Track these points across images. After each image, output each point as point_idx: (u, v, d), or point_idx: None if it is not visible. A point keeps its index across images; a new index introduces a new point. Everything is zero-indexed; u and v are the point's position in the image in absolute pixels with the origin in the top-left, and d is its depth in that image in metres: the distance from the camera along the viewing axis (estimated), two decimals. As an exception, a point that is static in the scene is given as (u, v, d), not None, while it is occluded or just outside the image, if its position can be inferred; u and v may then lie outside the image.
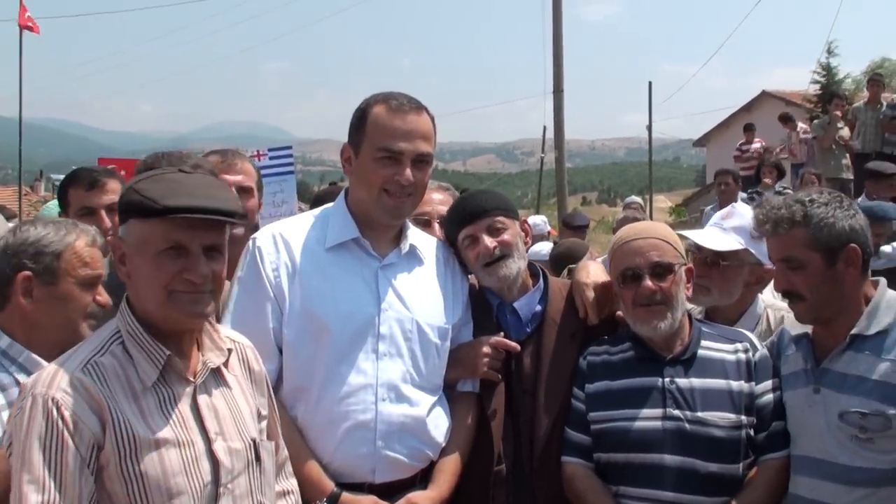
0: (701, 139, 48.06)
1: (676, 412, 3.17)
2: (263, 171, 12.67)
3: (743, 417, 3.18)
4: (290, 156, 11.96)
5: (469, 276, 3.56)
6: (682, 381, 3.23)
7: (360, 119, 3.17)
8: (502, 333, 3.43)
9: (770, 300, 3.82)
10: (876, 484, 2.92)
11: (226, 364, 2.65)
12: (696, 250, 3.65)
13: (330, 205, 3.36)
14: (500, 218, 3.44)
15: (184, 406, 2.47)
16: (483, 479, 3.30)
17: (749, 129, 19.82)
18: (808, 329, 3.21)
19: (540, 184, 31.96)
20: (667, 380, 3.23)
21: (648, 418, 3.19)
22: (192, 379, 2.51)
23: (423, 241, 3.42)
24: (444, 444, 3.24)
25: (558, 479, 3.33)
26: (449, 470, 3.24)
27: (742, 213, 3.74)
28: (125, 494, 2.33)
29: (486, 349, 3.35)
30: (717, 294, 3.63)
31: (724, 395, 3.20)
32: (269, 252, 3.14)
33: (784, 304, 3.76)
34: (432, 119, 3.24)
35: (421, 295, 3.25)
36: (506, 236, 3.42)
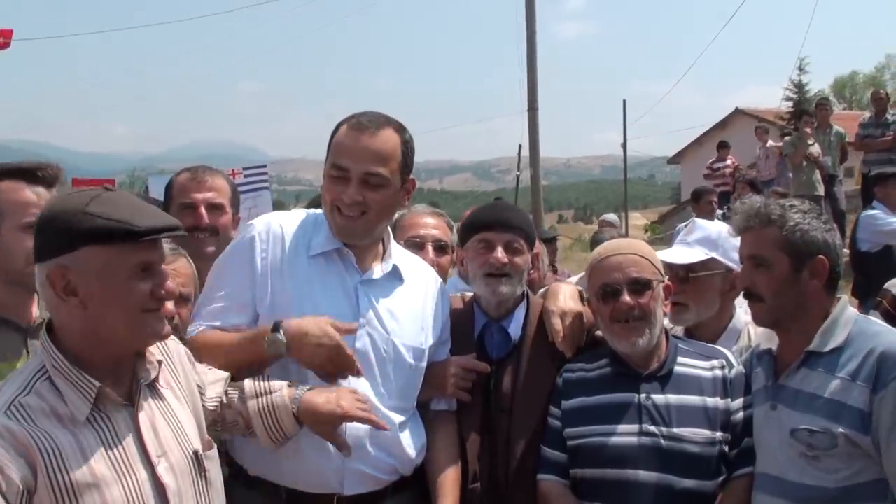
0: (675, 156, 48.48)
1: (652, 428, 3.18)
2: (239, 189, 12.69)
3: (718, 434, 3.19)
4: (265, 173, 12.05)
5: (451, 297, 3.58)
6: (659, 398, 3.24)
7: (331, 136, 3.18)
8: (475, 354, 3.44)
9: (750, 318, 3.79)
10: (824, 502, 2.91)
11: (156, 377, 2.53)
12: (669, 269, 3.65)
13: (320, 210, 3.34)
14: (522, 241, 3.47)
15: (123, 433, 2.36)
16: (460, 499, 3.27)
17: (724, 147, 20.02)
18: (773, 346, 3.22)
19: (516, 201, 31.94)
20: (643, 396, 3.24)
21: (624, 434, 3.19)
22: (127, 402, 2.41)
23: (407, 261, 3.41)
24: (414, 458, 3.22)
25: (534, 497, 3.33)
26: (450, 487, 3.23)
27: (703, 225, 3.83)
28: None
29: (454, 370, 3.36)
30: (695, 309, 3.64)
31: (699, 412, 3.21)
32: (262, 241, 3.14)
33: None
34: (404, 139, 3.17)
35: (400, 315, 3.23)
36: (518, 259, 3.45)
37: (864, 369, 2.91)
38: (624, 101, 39.38)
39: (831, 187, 15.15)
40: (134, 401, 2.43)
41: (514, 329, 3.51)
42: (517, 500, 3.33)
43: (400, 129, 3.18)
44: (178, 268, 3.32)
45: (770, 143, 18.66)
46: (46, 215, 2.35)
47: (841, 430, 2.87)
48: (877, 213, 9.31)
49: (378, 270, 3.25)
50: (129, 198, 2.44)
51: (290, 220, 3.26)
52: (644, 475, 3.13)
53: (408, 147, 3.19)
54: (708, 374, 3.30)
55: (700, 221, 3.90)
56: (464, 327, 3.52)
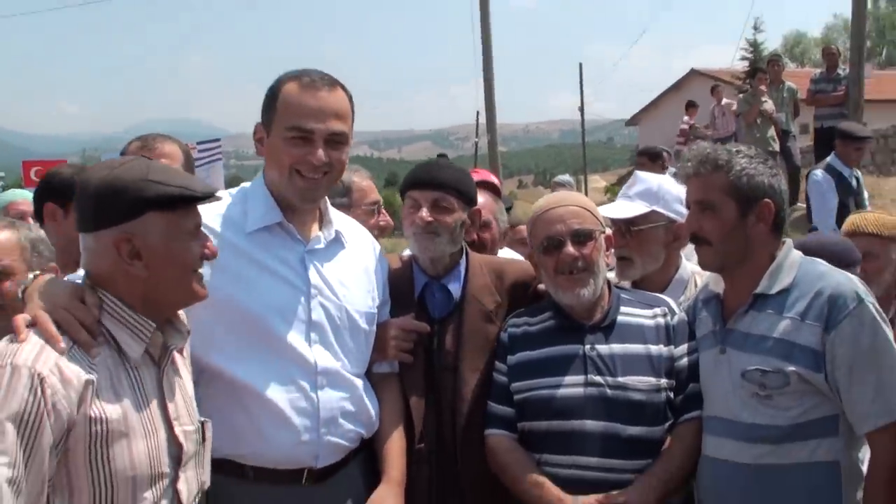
0: (632, 119, 48.74)
1: (598, 378, 3.19)
2: (198, 163, 12.60)
3: (663, 380, 3.22)
4: (219, 147, 11.99)
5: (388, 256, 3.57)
6: (603, 348, 3.25)
7: (272, 97, 3.05)
8: (414, 314, 3.41)
9: (697, 267, 3.81)
10: (775, 441, 2.97)
11: (180, 347, 2.67)
12: (612, 224, 3.66)
13: (246, 184, 3.25)
14: (451, 199, 3.40)
15: (150, 391, 2.47)
16: (408, 459, 3.26)
17: (691, 106, 20.13)
18: (719, 291, 3.25)
19: (475, 168, 32.00)
20: (587, 347, 3.25)
21: (570, 385, 3.20)
22: (158, 363, 2.53)
23: (345, 224, 3.35)
24: (375, 421, 3.22)
25: (483, 454, 3.32)
26: (396, 455, 3.21)
27: (643, 178, 3.81)
28: (89, 481, 2.29)
29: (394, 332, 3.33)
30: (640, 262, 3.66)
31: (643, 360, 3.23)
32: None
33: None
34: (349, 97, 3.12)
35: (347, 281, 3.18)
36: (447, 218, 3.39)
37: (813, 309, 2.97)
38: (580, 65, 39.47)
39: (785, 143, 15.28)
40: (161, 362, 2.54)
41: (455, 287, 3.48)
42: (466, 458, 3.32)
43: (343, 85, 3.12)
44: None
45: (725, 100, 18.79)
46: (103, 185, 2.41)
47: (793, 368, 2.93)
48: (819, 180, 9.16)
49: (322, 238, 3.17)
50: (169, 167, 2.69)
51: (214, 205, 3.02)
52: (591, 425, 3.15)
53: (353, 104, 3.14)
54: (650, 322, 3.32)
55: (640, 174, 3.89)
56: (404, 287, 3.48)
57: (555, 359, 3.27)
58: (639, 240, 3.65)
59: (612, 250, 3.51)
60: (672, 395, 3.25)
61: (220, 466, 2.88)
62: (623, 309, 3.35)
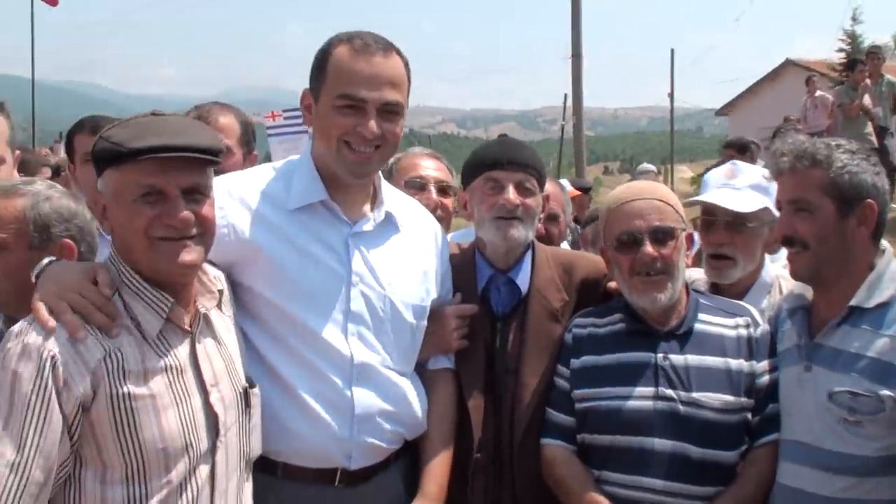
0: (723, 108, 47.68)
1: (669, 392, 2.91)
2: (278, 131, 12.73)
3: (742, 399, 2.93)
4: (306, 118, 12.07)
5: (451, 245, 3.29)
6: (677, 358, 2.96)
7: (321, 61, 2.80)
8: (476, 308, 3.16)
9: (782, 271, 3.50)
10: (861, 473, 2.66)
11: (217, 306, 2.58)
12: (707, 215, 3.33)
13: (295, 157, 3.01)
14: (534, 180, 3.15)
15: (182, 359, 2.39)
16: (461, 469, 3.05)
17: (810, 82, 19.01)
18: (807, 300, 2.94)
19: (560, 152, 31.79)
20: (660, 356, 2.96)
21: (638, 397, 2.92)
22: (188, 329, 2.44)
23: (402, 206, 3.06)
24: (422, 422, 2.98)
25: (540, 467, 3.07)
26: (438, 466, 2.98)
27: (747, 169, 3.48)
28: (119, 455, 2.26)
29: (454, 323, 3.08)
30: (742, 263, 3.31)
31: (721, 375, 2.94)
32: (219, 208, 2.60)
33: None
34: (406, 63, 2.85)
35: (396, 269, 2.92)
36: (530, 201, 3.13)
37: None
38: (672, 51, 38.71)
39: (882, 140, 14.75)
40: (193, 328, 2.45)
41: (522, 280, 3.19)
42: (522, 470, 3.07)
43: (399, 50, 2.85)
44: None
45: (818, 92, 18.20)
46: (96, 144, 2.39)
47: (889, 392, 2.62)
48: None
49: (369, 220, 2.91)
50: (157, 120, 2.39)
51: (252, 177, 2.91)
52: (659, 443, 2.88)
53: (409, 71, 2.87)
54: (731, 332, 3.01)
55: (742, 164, 3.55)
56: (466, 280, 3.21)
57: (623, 366, 2.99)
58: (746, 238, 3.30)
59: (691, 251, 3.18)
60: (750, 415, 2.95)
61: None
62: (701, 316, 3.05)
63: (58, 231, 2.78)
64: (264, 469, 2.76)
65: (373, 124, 2.74)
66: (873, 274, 2.79)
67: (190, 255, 2.37)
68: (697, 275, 3.46)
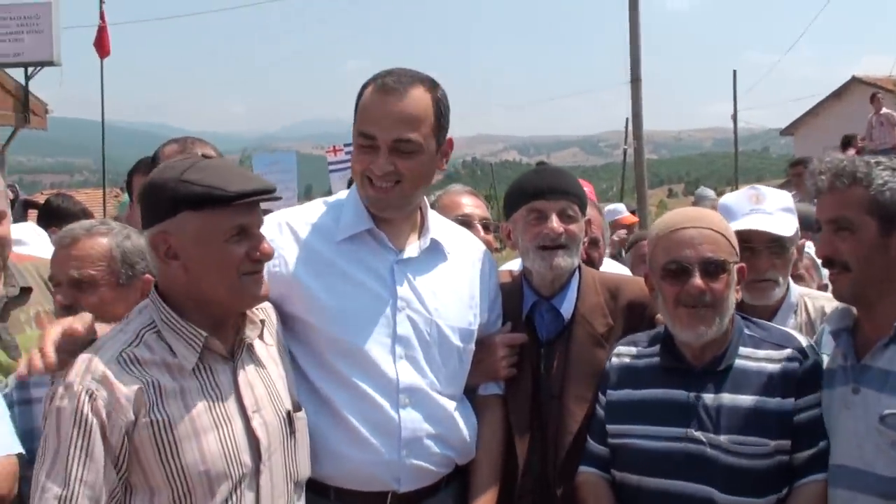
0: (788, 128, 46.95)
1: (698, 434, 2.79)
2: (340, 166, 12.90)
3: (779, 442, 2.77)
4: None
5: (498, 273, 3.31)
6: (709, 398, 2.83)
7: (357, 99, 2.93)
8: (524, 336, 3.19)
9: (806, 290, 3.51)
10: None
11: (260, 336, 2.66)
12: (745, 242, 3.21)
13: (344, 192, 3.12)
14: (576, 207, 3.16)
15: (224, 386, 2.49)
16: (507, 493, 3.07)
17: (875, 99, 18.60)
18: (849, 322, 2.85)
19: (623, 175, 31.65)
20: (692, 395, 2.85)
21: (667, 438, 2.83)
22: (230, 357, 2.54)
23: (449, 235, 3.12)
24: (471, 446, 3.02)
25: None
26: (485, 489, 3.02)
27: (772, 192, 3.47)
28: (164, 479, 2.36)
29: (503, 351, 3.12)
30: (783, 284, 3.29)
31: (758, 416, 2.78)
32: (270, 241, 2.67)
33: (823, 294, 3.49)
34: (437, 97, 2.90)
35: (442, 294, 2.97)
36: (573, 227, 3.12)
37: None
38: (734, 72, 38.43)
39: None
40: (235, 357, 2.55)
41: (566, 307, 3.19)
42: (566, 494, 3.05)
43: (432, 85, 2.90)
44: (82, 247, 3.06)
45: (884, 109, 17.92)
46: (149, 184, 2.49)
47: None
48: None
49: (415, 247, 2.99)
50: (225, 164, 2.61)
51: (305, 211, 3.04)
52: (685, 486, 2.78)
53: (441, 105, 2.90)
54: (776, 367, 2.84)
55: (764, 188, 3.52)
56: (512, 306, 3.24)
57: (655, 404, 2.90)
58: (785, 260, 3.28)
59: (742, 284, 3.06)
60: (788, 457, 2.79)
61: (307, 485, 2.80)
62: (744, 350, 2.89)
63: (140, 267, 3.02)
64: (318, 492, 2.84)
65: (381, 162, 2.82)
66: None
67: (266, 287, 2.56)
68: (824, 300, 3.34)
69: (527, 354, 3.19)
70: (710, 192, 12.20)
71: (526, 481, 3.09)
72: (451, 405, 2.97)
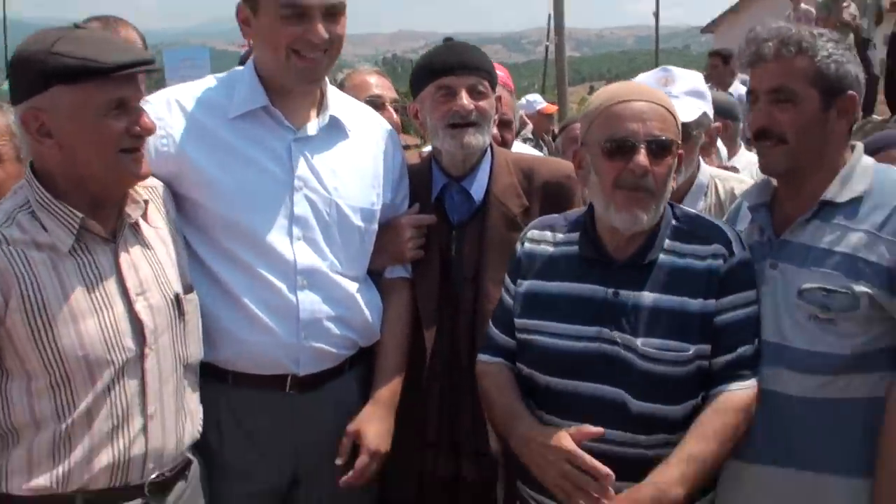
0: (709, 26, 47.16)
1: (614, 334, 2.55)
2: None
3: (701, 347, 2.53)
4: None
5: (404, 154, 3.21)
6: (629, 296, 2.55)
7: None
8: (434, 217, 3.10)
9: (717, 171, 3.46)
10: (834, 372, 2.55)
11: (144, 216, 2.55)
12: None
13: (239, 68, 2.98)
14: (486, 83, 3.02)
15: (104, 268, 2.40)
16: (416, 376, 3.03)
17: None
18: (768, 198, 2.80)
19: (545, 73, 31.50)
20: (609, 291, 2.57)
21: (578, 337, 2.58)
22: (112, 239, 2.44)
23: (350, 112, 3.00)
24: (374, 328, 2.98)
25: None
26: (390, 371, 2.99)
27: (682, 74, 3.37)
28: (41, 364, 2.29)
29: (409, 232, 3.03)
30: (684, 171, 3.20)
31: (680, 319, 2.53)
32: (158, 119, 2.63)
33: (733, 175, 3.48)
34: None
35: (342, 172, 2.88)
36: (484, 103, 2.99)
37: (892, 221, 2.54)
38: (656, -33, 38.13)
39: (865, 51, 14.61)
40: (117, 238, 2.45)
41: (478, 189, 3.09)
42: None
43: None
44: None
45: (803, 5, 17.96)
46: (16, 57, 2.33)
47: (864, 289, 2.49)
48: None
49: (314, 125, 2.87)
50: (100, 35, 2.48)
51: (195, 87, 2.87)
52: (595, 389, 2.55)
53: None
54: (701, 265, 2.58)
55: (676, 70, 3.42)
56: (420, 188, 3.13)
57: (569, 299, 2.62)
58: (690, 147, 3.16)
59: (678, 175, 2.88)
60: (709, 362, 2.56)
61: (204, 371, 2.75)
62: (670, 244, 2.61)
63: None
64: (216, 377, 2.79)
65: (320, 29, 2.70)
66: (846, 168, 2.67)
67: (147, 165, 2.46)
68: (735, 182, 3.29)
69: (436, 237, 3.10)
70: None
71: (434, 364, 3.05)
72: (352, 286, 2.90)
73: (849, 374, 2.55)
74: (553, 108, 11.09)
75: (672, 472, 2.43)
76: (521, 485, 2.76)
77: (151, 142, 2.61)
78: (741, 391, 2.55)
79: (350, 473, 2.84)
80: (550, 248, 2.74)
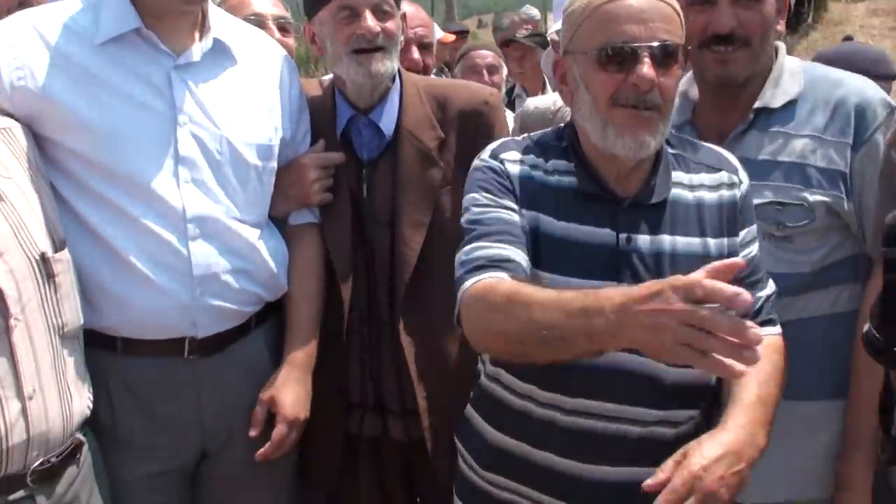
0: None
1: None
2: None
3: None
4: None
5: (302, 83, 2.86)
6: (645, 241, 2.06)
7: None
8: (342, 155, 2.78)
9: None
10: (795, 292, 2.38)
11: None
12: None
13: None
14: (391, 0, 2.67)
15: None
16: (333, 331, 2.76)
17: None
18: (689, 114, 2.57)
19: (432, 6, 31.12)
20: (622, 237, 2.05)
21: None
22: None
23: (237, 35, 2.62)
24: (281, 280, 2.68)
25: (430, 325, 2.69)
26: (303, 328, 2.70)
27: None
28: None
29: (314, 173, 2.71)
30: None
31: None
32: (11, 48, 2.29)
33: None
34: None
35: (232, 104, 2.52)
36: (391, 24, 2.64)
37: (834, 122, 2.38)
38: None
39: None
40: None
41: (387, 122, 2.75)
42: (408, 328, 2.72)
43: None
44: None
45: None
46: None
47: (818, 197, 2.34)
48: None
49: (196, 50, 2.48)
50: None
51: (55, 10, 2.45)
52: (618, 359, 1.99)
53: None
54: (714, 197, 2.14)
55: None
56: (324, 123, 2.79)
57: (580, 247, 2.06)
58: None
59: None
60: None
61: (89, 339, 2.40)
62: (676, 175, 2.14)
63: None
64: (104, 345, 2.45)
65: None
66: (774, 71, 2.49)
67: None
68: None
69: (344, 177, 2.77)
70: (535, 12, 11.29)
71: (354, 316, 2.77)
72: (252, 234, 2.56)
73: (810, 293, 2.43)
74: (451, 38, 10.74)
75: (753, 414, 1.89)
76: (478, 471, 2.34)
77: (5, 76, 2.26)
78: (773, 337, 2.14)
79: (266, 446, 2.56)
80: (545, 175, 2.13)
